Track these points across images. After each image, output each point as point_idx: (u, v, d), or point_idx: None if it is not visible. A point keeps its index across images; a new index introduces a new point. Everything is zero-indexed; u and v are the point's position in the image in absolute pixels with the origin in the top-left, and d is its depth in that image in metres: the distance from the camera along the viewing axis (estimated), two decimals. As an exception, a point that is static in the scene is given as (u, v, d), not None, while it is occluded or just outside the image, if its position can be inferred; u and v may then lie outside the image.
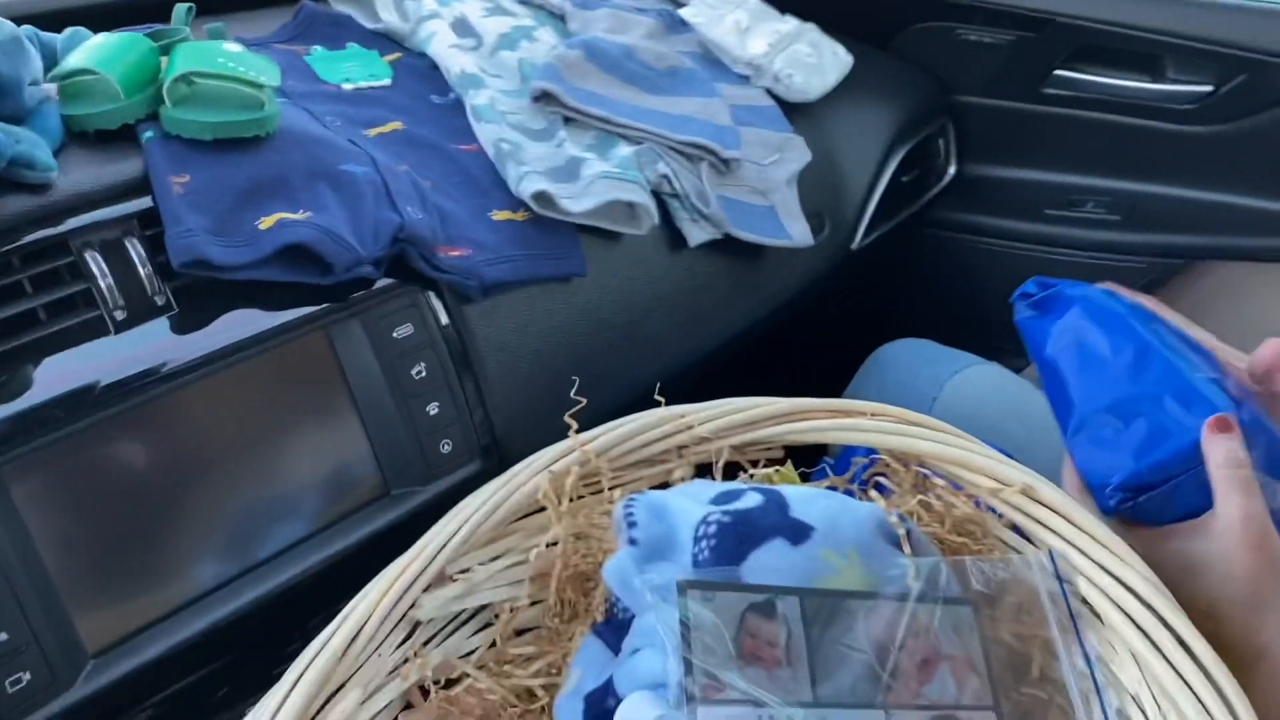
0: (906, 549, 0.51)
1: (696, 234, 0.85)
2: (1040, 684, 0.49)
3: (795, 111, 1.00)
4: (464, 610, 0.56)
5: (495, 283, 0.72)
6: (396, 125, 0.80)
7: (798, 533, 0.49)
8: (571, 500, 0.57)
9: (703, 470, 0.61)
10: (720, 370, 0.94)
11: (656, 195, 0.83)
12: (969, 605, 0.50)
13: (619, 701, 0.47)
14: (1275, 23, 0.99)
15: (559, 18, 1.00)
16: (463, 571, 0.55)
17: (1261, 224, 1.07)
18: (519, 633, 0.59)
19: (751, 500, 0.51)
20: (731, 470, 0.61)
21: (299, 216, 0.64)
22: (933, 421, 0.59)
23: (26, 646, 0.54)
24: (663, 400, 0.60)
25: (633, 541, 0.50)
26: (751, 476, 0.61)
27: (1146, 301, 0.61)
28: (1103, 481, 0.55)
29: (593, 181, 0.78)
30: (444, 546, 0.52)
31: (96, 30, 0.71)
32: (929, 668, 0.47)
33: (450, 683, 0.55)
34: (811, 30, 1.07)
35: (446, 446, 0.70)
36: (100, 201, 0.62)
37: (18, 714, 0.54)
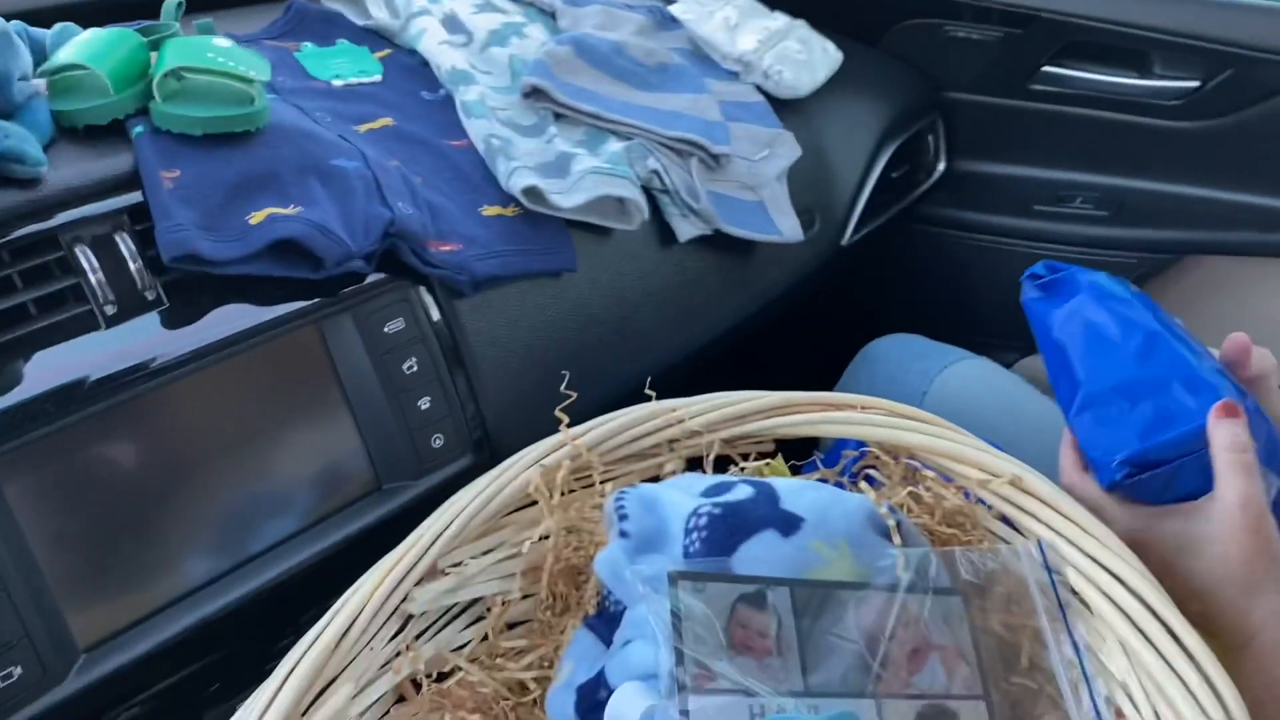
0: (896, 540, 0.52)
1: (687, 229, 0.85)
2: (1029, 673, 0.49)
3: (785, 108, 1.00)
4: (456, 604, 0.56)
5: (486, 278, 0.72)
6: (387, 121, 0.80)
7: (788, 524, 0.49)
8: (563, 494, 0.57)
9: (694, 464, 0.61)
10: (711, 365, 0.94)
11: (647, 191, 0.83)
12: (959, 595, 0.50)
13: (611, 693, 0.47)
14: (1261, 18, 1.00)
15: (549, 14, 1.00)
16: (455, 565, 0.55)
17: (1248, 218, 1.08)
18: (511, 626, 0.59)
19: (742, 492, 0.51)
20: (722, 463, 0.61)
21: (289, 211, 0.64)
22: (922, 414, 0.59)
23: (17, 641, 0.54)
24: (654, 394, 0.60)
25: (624, 534, 0.50)
26: (742, 469, 0.61)
27: None
28: (1107, 457, 0.55)
29: (583, 177, 0.78)
30: (436, 540, 0.52)
31: (86, 26, 0.71)
32: (919, 657, 0.47)
33: (442, 676, 0.56)
34: (801, 27, 1.07)
35: (438, 441, 0.70)
36: (90, 196, 0.62)
37: (9, 709, 0.54)
